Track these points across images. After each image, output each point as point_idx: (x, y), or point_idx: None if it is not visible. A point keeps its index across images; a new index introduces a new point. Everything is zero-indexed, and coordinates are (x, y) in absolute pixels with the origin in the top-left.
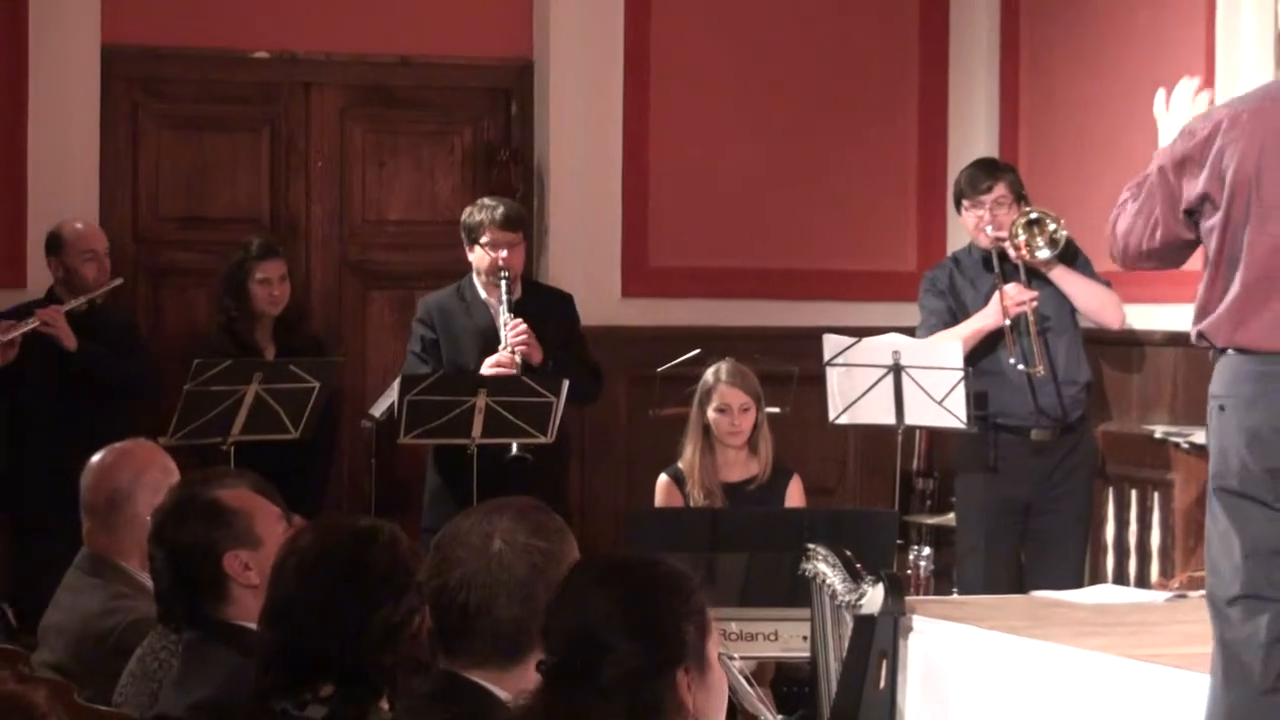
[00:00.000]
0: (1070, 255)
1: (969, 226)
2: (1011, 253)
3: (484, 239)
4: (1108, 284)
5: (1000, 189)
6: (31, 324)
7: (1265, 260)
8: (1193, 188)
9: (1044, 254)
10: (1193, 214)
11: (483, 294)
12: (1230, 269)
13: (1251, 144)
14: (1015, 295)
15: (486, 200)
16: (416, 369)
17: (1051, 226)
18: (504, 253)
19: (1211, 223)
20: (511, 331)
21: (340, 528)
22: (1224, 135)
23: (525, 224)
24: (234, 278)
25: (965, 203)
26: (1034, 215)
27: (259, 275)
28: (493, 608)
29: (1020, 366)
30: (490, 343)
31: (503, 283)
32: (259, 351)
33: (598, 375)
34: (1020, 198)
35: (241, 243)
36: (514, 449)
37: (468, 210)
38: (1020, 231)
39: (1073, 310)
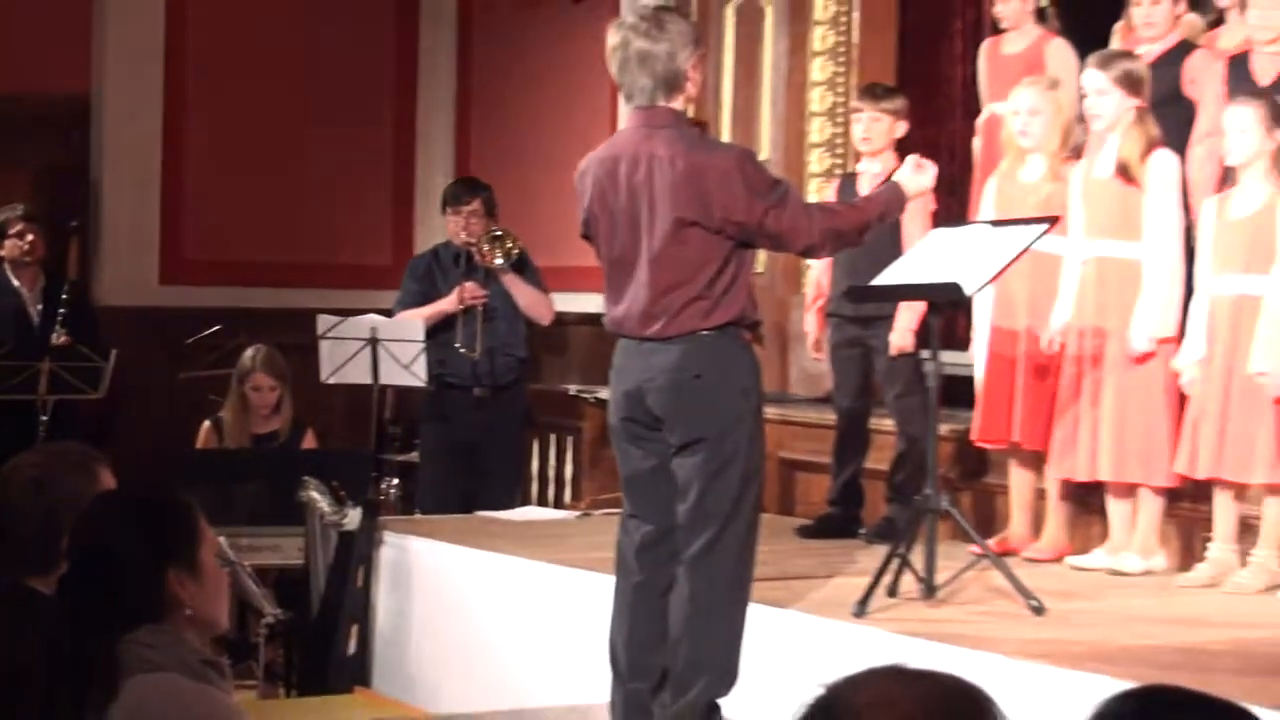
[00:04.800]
0: (521, 265)
1: (450, 229)
2: (477, 256)
3: (448, 213)
4: (546, 290)
5: (475, 203)
6: None
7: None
8: None
9: (499, 263)
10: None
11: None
12: None
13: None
14: (471, 290)
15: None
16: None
17: (509, 244)
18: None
19: None
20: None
21: None
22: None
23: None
24: None
25: (449, 210)
26: (498, 233)
27: None
28: (18, 526)
29: (462, 350)
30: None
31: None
32: None
33: None
34: (491, 213)
35: None
36: None
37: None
38: (485, 243)
39: None
